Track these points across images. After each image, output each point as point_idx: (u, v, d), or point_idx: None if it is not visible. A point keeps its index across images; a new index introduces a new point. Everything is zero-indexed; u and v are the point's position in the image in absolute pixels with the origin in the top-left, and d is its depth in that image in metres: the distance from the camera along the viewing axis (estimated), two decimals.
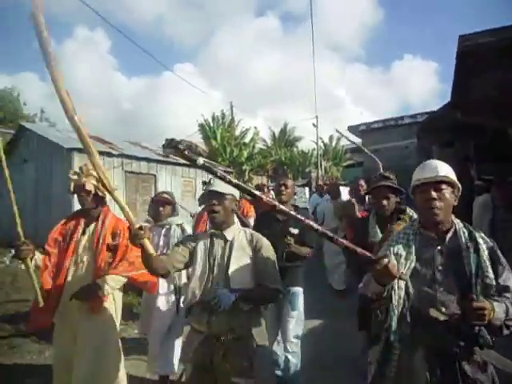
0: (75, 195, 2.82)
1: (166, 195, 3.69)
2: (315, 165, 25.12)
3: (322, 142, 29.39)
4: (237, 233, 2.28)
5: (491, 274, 1.60)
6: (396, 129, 17.13)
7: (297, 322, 3.23)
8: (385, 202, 2.91)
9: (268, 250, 2.26)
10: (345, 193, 6.68)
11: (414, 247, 1.70)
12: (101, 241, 2.66)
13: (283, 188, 3.36)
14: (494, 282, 1.59)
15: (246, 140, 22.64)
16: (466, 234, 1.70)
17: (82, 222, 2.76)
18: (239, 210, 5.23)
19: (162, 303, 3.45)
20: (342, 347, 3.97)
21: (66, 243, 2.67)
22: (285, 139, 29.62)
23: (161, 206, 3.58)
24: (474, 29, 5.17)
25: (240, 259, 2.19)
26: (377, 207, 3.05)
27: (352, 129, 18.07)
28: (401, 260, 1.69)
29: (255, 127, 23.65)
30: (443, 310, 1.61)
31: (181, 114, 52.61)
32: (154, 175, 12.46)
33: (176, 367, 3.45)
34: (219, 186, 2.22)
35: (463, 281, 1.61)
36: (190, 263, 2.23)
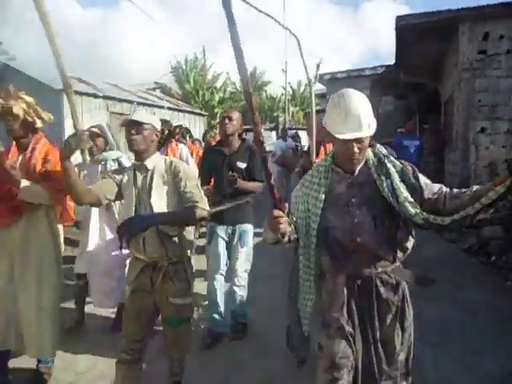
0: None
1: (94, 128, 3.43)
2: (283, 109, 26.23)
3: (291, 87, 30.33)
4: (157, 161, 2.23)
5: (405, 194, 1.57)
6: (358, 79, 18.53)
7: (246, 258, 3.19)
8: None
9: (187, 172, 2.23)
10: (304, 137, 8.25)
11: (325, 185, 1.70)
12: (31, 170, 2.52)
13: (227, 121, 3.15)
14: (410, 199, 1.57)
15: (218, 84, 23.46)
16: (375, 161, 1.68)
17: (15, 151, 2.60)
18: (190, 150, 5.57)
19: (111, 237, 3.34)
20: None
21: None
22: (254, 83, 30.29)
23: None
24: None
25: (160, 186, 2.18)
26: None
27: (318, 77, 19.37)
28: (311, 200, 1.71)
29: (227, 72, 24.33)
30: (358, 239, 1.64)
31: (142, 50, 50.39)
32: None
33: None
34: (138, 116, 2.21)
35: (376, 208, 1.63)
36: (119, 196, 2.26)
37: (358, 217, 1.65)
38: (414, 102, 13.32)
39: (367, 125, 1.58)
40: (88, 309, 3.64)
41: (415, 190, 1.62)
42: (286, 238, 1.63)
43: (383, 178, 1.63)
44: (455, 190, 1.58)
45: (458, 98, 6.83)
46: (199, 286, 3.67)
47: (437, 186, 1.65)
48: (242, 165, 3.13)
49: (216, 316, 3.21)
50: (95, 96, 11.86)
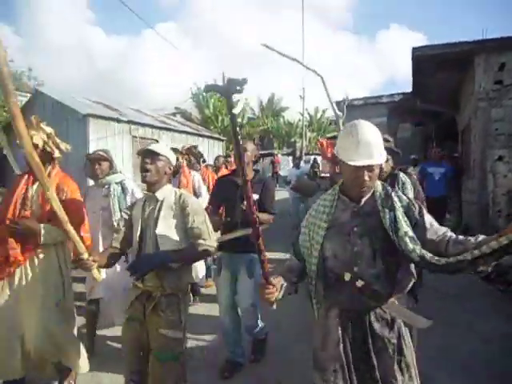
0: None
1: (101, 152, 3.50)
2: (300, 135, 26.55)
3: (308, 113, 30.73)
4: (168, 194, 2.25)
5: (405, 228, 1.58)
6: (375, 106, 18.73)
7: (254, 290, 3.02)
8: (383, 165, 3.07)
9: (195, 207, 2.24)
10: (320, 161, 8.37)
11: (330, 214, 1.71)
12: (46, 199, 2.50)
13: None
14: (411, 234, 1.56)
15: (237, 110, 23.99)
16: (383, 194, 1.69)
17: (31, 181, 2.68)
18: (202, 177, 5.61)
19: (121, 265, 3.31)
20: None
21: (14, 204, 2.59)
22: (272, 109, 30.88)
23: (96, 164, 3.41)
24: None
25: (167, 218, 2.18)
26: None
27: (336, 103, 19.71)
28: (315, 228, 1.73)
29: (246, 98, 24.93)
30: (355, 269, 1.62)
31: (163, 76, 52.07)
32: (157, 140, 13.89)
33: None
34: (156, 147, 2.24)
35: (378, 240, 1.62)
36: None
37: (358, 246, 1.64)
38: (431, 130, 13.38)
39: (378, 153, 1.62)
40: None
41: (418, 227, 1.62)
42: (279, 297, 1.69)
43: (387, 210, 1.64)
44: (460, 237, 1.55)
45: (474, 126, 6.89)
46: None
47: (442, 230, 1.62)
48: (255, 196, 3.06)
49: (231, 346, 3.19)
50: (118, 121, 12.32)
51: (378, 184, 1.74)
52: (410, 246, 1.54)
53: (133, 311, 2.21)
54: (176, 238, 2.18)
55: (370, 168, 1.62)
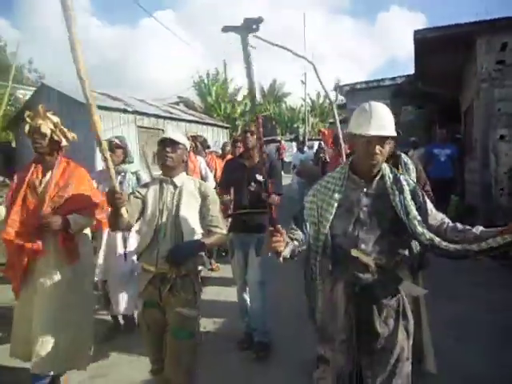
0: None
1: (115, 139, 3.51)
2: (303, 120, 26.59)
3: (310, 98, 30.70)
4: (185, 180, 2.32)
5: (414, 211, 1.67)
6: (377, 90, 18.62)
7: (261, 268, 3.19)
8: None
9: (214, 196, 2.36)
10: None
11: (340, 192, 1.76)
12: (56, 190, 2.60)
13: (249, 135, 3.29)
14: (419, 217, 1.66)
15: (239, 98, 24.06)
16: (392, 177, 1.76)
17: (40, 170, 2.68)
18: (208, 163, 5.81)
19: (121, 249, 3.43)
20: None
21: (24, 192, 2.60)
22: (274, 94, 30.84)
23: (111, 151, 3.35)
24: None
25: (190, 204, 2.24)
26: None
27: (338, 88, 19.72)
28: (323, 205, 1.77)
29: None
30: (363, 246, 1.70)
31: (164, 65, 51.86)
32: (162, 129, 14.05)
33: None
34: (175, 136, 2.29)
35: (386, 220, 1.70)
36: (143, 212, 2.27)
37: (366, 225, 1.72)
38: (434, 112, 13.42)
39: (391, 128, 1.70)
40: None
41: (422, 211, 1.71)
42: (286, 253, 1.67)
43: (397, 192, 1.72)
44: (458, 225, 1.66)
45: (477, 107, 6.98)
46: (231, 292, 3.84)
47: (440, 215, 1.73)
48: (261, 177, 3.10)
49: (247, 321, 3.35)
50: (125, 111, 12.46)
51: (386, 167, 1.80)
52: (420, 229, 1.65)
53: (148, 296, 2.24)
54: (197, 223, 2.27)
55: (381, 141, 1.68)
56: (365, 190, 1.77)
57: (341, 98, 21.01)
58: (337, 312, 1.78)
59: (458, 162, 7.11)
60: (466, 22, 6.61)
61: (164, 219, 2.22)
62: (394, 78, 18.35)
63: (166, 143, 2.25)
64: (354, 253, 1.71)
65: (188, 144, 2.41)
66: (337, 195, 1.77)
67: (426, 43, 7.03)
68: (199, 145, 5.88)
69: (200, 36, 79.86)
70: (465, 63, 7.93)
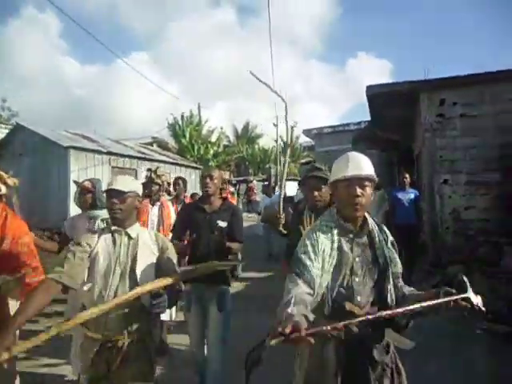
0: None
1: (87, 182, 3.32)
2: (275, 161, 27.44)
3: (282, 140, 31.77)
4: (140, 231, 2.16)
5: (399, 264, 1.73)
6: (344, 133, 19.87)
7: (223, 324, 2.93)
8: (315, 194, 2.81)
9: (172, 250, 2.21)
10: (292, 187, 9.05)
11: (336, 241, 1.69)
12: None
13: (208, 180, 3.05)
14: (400, 271, 1.71)
15: (213, 139, 24.84)
16: (376, 227, 1.78)
17: None
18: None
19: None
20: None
21: None
22: (247, 136, 31.84)
23: (80, 194, 3.30)
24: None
25: (146, 257, 2.08)
26: (308, 199, 2.97)
27: (306, 132, 20.89)
28: (325, 256, 1.66)
29: (221, 127, 25.88)
30: (358, 298, 1.66)
31: (138, 106, 52.83)
32: (135, 170, 14.39)
33: None
34: (120, 184, 2.08)
35: (375, 270, 1.71)
36: (90, 266, 2.03)
37: (359, 277, 1.70)
38: (394, 156, 14.43)
39: (369, 169, 1.72)
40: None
41: (394, 260, 1.79)
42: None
43: (384, 243, 1.77)
44: (406, 288, 1.79)
45: (423, 154, 7.79)
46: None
47: (399, 267, 1.80)
48: (223, 224, 3.03)
49: (204, 379, 3.03)
50: (99, 152, 12.80)
51: (372, 221, 1.81)
52: (401, 281, 1.78)
53: (94, 370, 1.98)
54: (152, 277, 2.04)
55: (361, 183, 1.69)
56: (356, 239, 1.76)
57: (309, 140, 22.17)
58: (326, 373, 1.69)
59: (419, 206, 7.11)
60: (411, 80, 7.56)
61: (117, 275, 2.02)
62: (359, 123, 19.65)
63: (112, 194, 2.07)
64: (348, 306, 1.66)
65: (139, 188, 2.22)
66: (336, 245, 1.72)
67: (378, 97, 7.90)
68: (178, 187, 5.61)
69: (176, 77, 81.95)
70: (414, 115, 8.86)
